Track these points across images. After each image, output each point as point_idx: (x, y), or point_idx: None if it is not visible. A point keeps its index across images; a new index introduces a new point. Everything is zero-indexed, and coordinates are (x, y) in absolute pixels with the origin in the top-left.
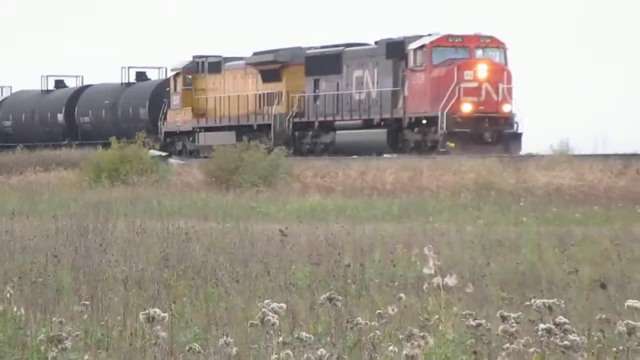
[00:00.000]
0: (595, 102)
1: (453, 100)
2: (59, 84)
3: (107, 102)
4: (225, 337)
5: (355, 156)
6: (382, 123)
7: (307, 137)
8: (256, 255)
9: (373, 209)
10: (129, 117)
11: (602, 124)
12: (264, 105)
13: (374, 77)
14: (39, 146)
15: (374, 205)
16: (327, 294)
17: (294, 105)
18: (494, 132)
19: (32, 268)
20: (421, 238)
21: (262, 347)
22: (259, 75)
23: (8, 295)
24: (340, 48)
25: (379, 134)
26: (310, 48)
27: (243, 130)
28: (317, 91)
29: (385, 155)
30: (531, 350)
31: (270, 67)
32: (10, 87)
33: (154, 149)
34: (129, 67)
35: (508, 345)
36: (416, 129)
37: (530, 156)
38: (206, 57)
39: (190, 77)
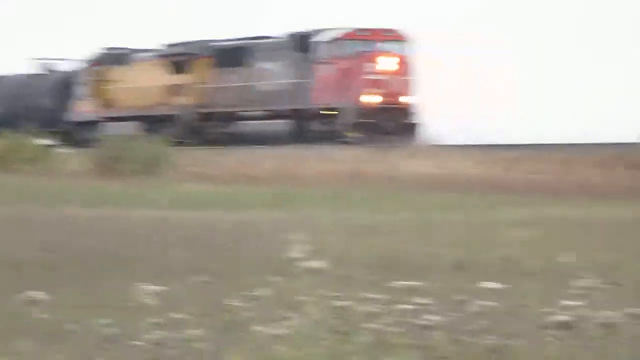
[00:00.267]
0: (495, 94)
1: (358, 92)
2: None
3: (14, 93)
4: (101, 317)
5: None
6: (289, 114)
7: (212, 127)
8: (136, 239)
9: (249, 197)
10: (36, 107)
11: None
12: (171, 96)
13: (280, 69)
14: None
15: (251, 193)
16: (201, 277)
17: (200, 96)
18: (397, 122)
19: None
20: (294, 223)
21: (137, 328)
22: (167, 67)
23: None
24: (248, 41)
25: (285, 124)
26: (217, 41)
27: (149, 121)
28: (224, 83)
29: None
30: (393, 329)
31: (178, 59)
32: None
33: (48, 138)
34: (37, 59)
35: (371, 325)
36: (322, 120)
37: (395, 146)
38: (115, 49)
39: (98, 68)
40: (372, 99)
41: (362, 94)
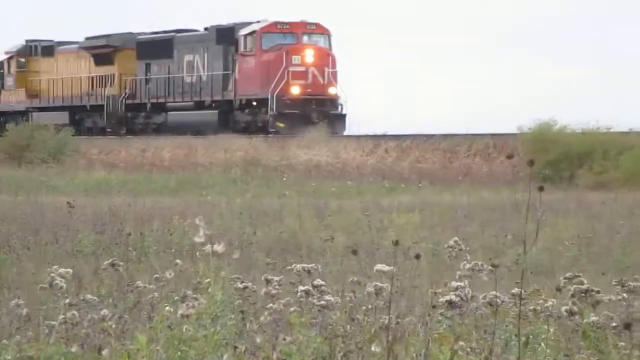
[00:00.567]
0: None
1: (282, 83)
2: None
3: None
4: (16, 299)
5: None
6: (214, 104)
7: (139, 117)
8: (46, 224)
9: (152, 183)
10: None
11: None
12: (96, 87)
13: (204, 61)
14: None
15: (153, 180)
16: (110, 260)
17: (126, 87)
18: (320, 112)
19: None
20: (195, 209)
21: (51, 308)
22: (92, 59)
23: None
24: (171, 34)
25: (211, 115)
26: (141, 34)
27: (76, 110)
28: (148, 74)
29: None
30: (291, 309)
31: (103, 50)
32: None
33: None
34: None
35: (271, 305)
36: (247, 110)
37: (292, 136)
38: (39, 41)
39: (23, 60)
40: (294, 89)
41: (286, 85)
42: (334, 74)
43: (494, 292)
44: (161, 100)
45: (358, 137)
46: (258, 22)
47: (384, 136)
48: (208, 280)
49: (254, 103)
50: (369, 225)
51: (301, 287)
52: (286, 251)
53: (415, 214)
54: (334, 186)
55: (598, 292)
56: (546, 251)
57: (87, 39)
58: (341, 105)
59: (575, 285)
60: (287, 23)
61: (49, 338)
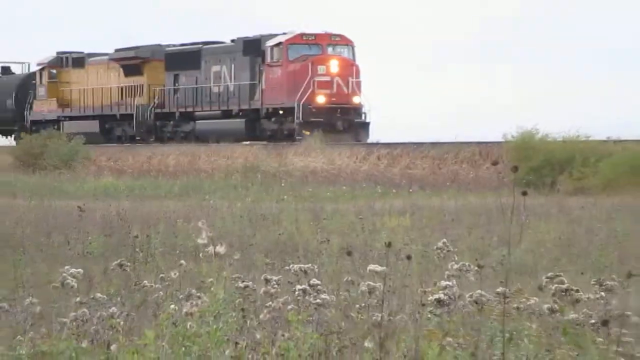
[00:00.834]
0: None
1: (308, 93)
2: None
3: None
4: (30, 297)
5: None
6: (241, 113)
7: (168, 126)
8: (58, 227)
9: (158, 189)
10: None
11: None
12: (126, 96)
13: (231, 72)
14: None
15: (159, 185)
16: (118, 261)
17: (155, 97)
18: (345, 121)
19: None
20: (198, 213)
21: (62, 306)
22: (121, 70)
23: None
24: (199, 45)
25: (238, 123)
26: (169, 46)
27: (106, 119)
28: (177, 84)
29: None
30: (289, 307)
31: (132, 62)
32: None
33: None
34: None
35: (270, 303)
36: (273, 119)
37: (289, 144)
38: (70, 52)
39: (55, 71)
40: (319, 99)
41: (312, 94)
42: (358, 84)
43: (479, 291)
44: (189, 109)
45: (352, 144)
46: (284, 33)
47: (376, 144)
48: (211, 279)
49: (281, 112)
50: (363, 228)
51: (298, 286)
52: (284, 252)
53: (406, 218)
54: (329, 191)
55: (577, 291)
56: (529, 252)
57: (117, 50)
58: (365, 113)
59: (556, 285)
60: (312, 34)
61: (61, 334)
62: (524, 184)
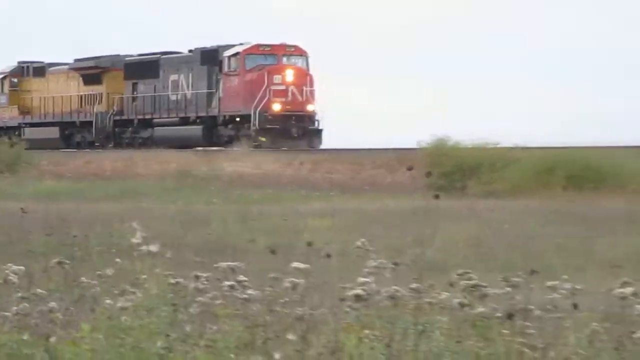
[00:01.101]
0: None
1: (264, 101)
2: None
3: None
4: None
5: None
6: (198, 120)
7: (126, 132)
8: (1, 228)
9: (96, 192)
10: None
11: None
12: (85, 104)
13: (189, 80)
14: None
15: (97, 188)
16: (58, 259)
17: (114, 104)
18: (299, 128)
19: None
20: (133, 214)
21: (5, 301)
22: (81, 79)
23: None
24: (157, 55)
25: (195, 130)
26: (128, 56)
27: (66, 126)
28: (135, 93)
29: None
30: (217, 302)
31: (92, 71)
32: None
33: None
34: None
35: (200, 298)
36: (230, 126)
37: (220, 150)
38: (31, 62)
39: (16, 80)
40: (275, 106)
41: (268, 102)
42: (312, 92)
43: (395, 287)
44: (148, 116)
45: (277, 150)
46: (241, 44)
47: (299, 150)
48: (144, 276)
49: (237, 119)
50: (287, 228)
51: (226, 282)
52: (213, 251)
53: (328, 219)
54: (256, 194)
55: (485, 286)
56: (441, 251)
57: (77, 60)
58: (318, 121)
59: (466, 281)
60: (268, 45)
61: (3, 327)
62: (437, 188)
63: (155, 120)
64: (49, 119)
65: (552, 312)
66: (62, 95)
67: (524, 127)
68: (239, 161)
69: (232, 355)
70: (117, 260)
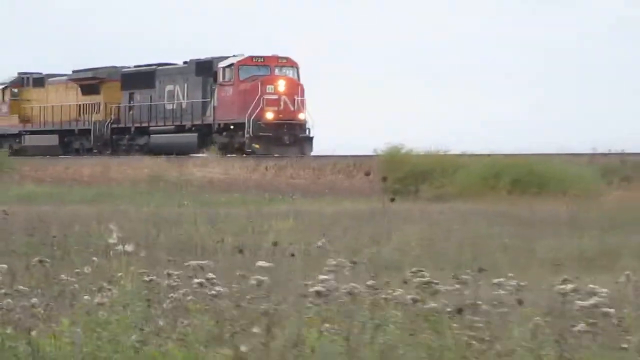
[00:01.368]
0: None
1: (257, 109)
2: None
3: None
4: None
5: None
6: (193, 128)
7: (123, 139)
8: None
9: (74, 195)
10: None
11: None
12: (83, 113)
13: (184, 90)
14: None
15: (75, 192)
16: (39, 258)
17: (112, 113)
18: (291, 135)
19: None
20: (109, 216)
21: None
22: (79, 89)
23: None
24: (153, 67)
25: (190, 137)
26: (125, 67)
27: (65, 134)
28: (132, 102)
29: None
30: (188, 298)
31: (90, 82)
32: None
33: None
34: None
35: (172, 294)
36: (224, 133)
37: (189, 157)
38: (30, 73)
39: (16, 90)
40: (268, 115)
41: (261, 111)
42: (303, 102)
43: (353, 284)
44: (144, 124)
45: (243, 157)
46: (235, 56)
47: (265, 156)
48: (120, 274)
49: (232, 127)
50: (253, 230)
51: (196, 280)
52: (184, 251)
53: (291, 220)
54: (224, 197)
55: (437, 283)
56: (396, 251)
57: (75, 71)
58: (309, 129)
59: (419, 278)
60: (261, 57)
61: None
62: (392, 192)
63: (151, 128)
64: (49, 127)
65: (499, 307)
66: (61, 104)
67: (472, 135)
68: (208, 167)
69: (202, 348)
70: (95, 259)
